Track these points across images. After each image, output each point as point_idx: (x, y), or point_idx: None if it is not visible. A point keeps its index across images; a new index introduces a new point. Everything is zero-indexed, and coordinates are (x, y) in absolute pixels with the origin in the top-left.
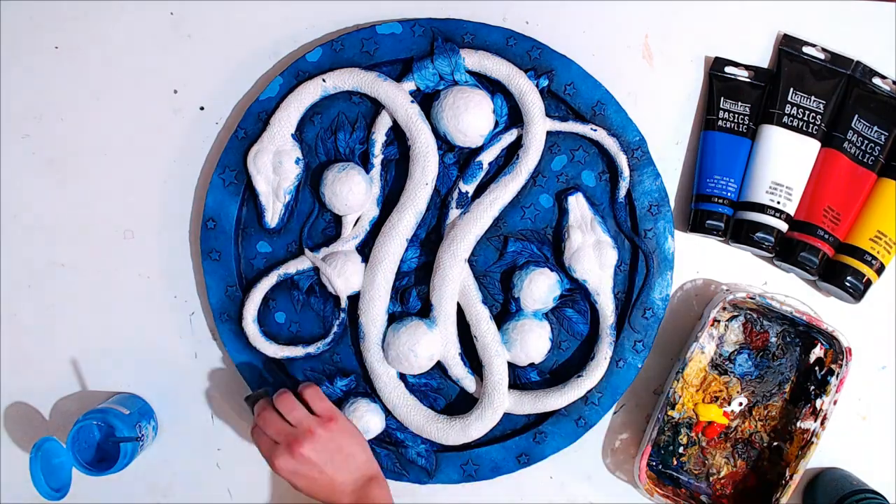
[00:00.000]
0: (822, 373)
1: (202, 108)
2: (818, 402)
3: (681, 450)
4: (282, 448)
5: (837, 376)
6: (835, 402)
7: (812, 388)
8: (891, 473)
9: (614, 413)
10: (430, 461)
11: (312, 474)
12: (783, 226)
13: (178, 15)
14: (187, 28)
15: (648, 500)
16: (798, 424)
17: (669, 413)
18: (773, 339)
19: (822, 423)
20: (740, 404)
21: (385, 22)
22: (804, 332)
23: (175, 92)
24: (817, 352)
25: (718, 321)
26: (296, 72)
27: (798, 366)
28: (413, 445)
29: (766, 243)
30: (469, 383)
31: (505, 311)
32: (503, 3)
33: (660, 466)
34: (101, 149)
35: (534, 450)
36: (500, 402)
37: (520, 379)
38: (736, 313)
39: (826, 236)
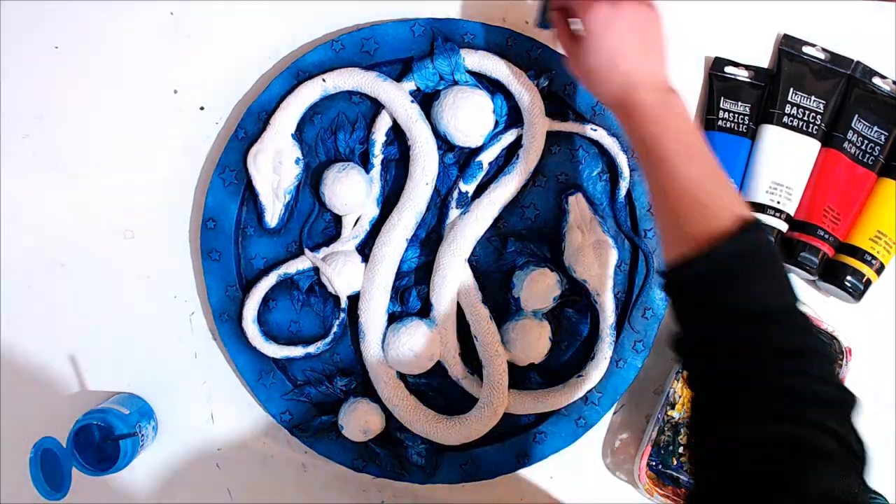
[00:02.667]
0: None
1: (202, 108)
2: None
3: (681, 450)
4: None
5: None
6: None
7: None
8: (891, 473)
9: (614, 413)
10: (430, 461)
11: (625, 37)
12: (783, 226)
13: (178, 15)
14: (187, 28)
15: (648, 500)
16: None
17: (669, 413)
18: None
19: None
20: None
21: (385, 22)
22: None
23: (175, 92)
24: None
25: None
26: (296, 72)
27: None
28: (413, 445)
29: None
30: (469, 383)
31: (505, 311)
32: (503, 3)
33: (660, 466)
34: (101, 149)
35: (534, 450)
36: (500, 402)
37: (520, 379)
38: None
39: (826, 236)
